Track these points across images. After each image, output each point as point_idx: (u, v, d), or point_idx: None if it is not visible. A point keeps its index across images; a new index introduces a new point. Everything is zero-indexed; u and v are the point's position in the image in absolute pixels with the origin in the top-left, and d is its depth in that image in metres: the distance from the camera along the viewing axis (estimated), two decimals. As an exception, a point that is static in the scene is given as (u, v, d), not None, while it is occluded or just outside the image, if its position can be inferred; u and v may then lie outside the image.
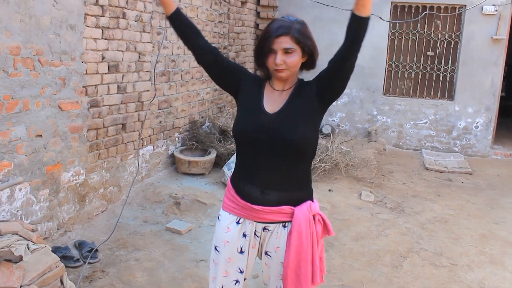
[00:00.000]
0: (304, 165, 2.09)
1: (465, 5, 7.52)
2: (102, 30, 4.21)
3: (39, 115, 3.60)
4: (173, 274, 3.57)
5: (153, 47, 5.03)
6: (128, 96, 4.72)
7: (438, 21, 7.87)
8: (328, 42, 8.06)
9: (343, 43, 1.91)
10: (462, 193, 5.99)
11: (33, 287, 2.70)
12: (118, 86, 4.54)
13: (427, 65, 8.00)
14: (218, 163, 5.88)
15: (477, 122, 7.88)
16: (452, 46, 7.87)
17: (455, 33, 7.82)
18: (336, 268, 3.83)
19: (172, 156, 5.79)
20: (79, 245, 3.80)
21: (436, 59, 7.96)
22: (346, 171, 6.07)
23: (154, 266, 3.66)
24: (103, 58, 4.27)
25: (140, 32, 4.77)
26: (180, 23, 2.11)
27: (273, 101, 2.08)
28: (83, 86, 4.05)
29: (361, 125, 8.27)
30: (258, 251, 2.14)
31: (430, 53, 7.97)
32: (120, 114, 4.63)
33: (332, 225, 2.20)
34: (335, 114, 8.35)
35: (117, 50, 4.46)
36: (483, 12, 7.51)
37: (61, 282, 2.95)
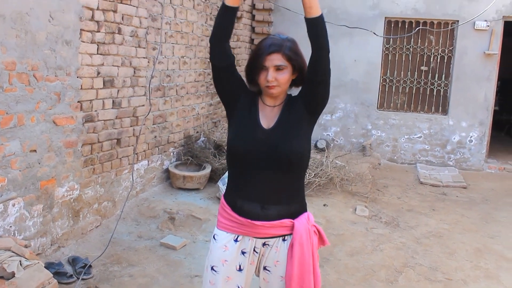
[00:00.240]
0: (299, 178, 2.13)
1: (458, 21, 7.61)
2: (97, 45, 4.23)
3: (33, 130, 3.59)
4: (168, 290, 3.55)
5: (148, 62, 5.06)
6: (123, 111, 4.72)
7: (432, 36, 7.95)
8: (323, 57, 8.15)
9: (312, 50, 1.98)
10: (457, 207, 6.00)
11: (25, 304, 2.68)
12: (113, 101, 4.55)
13: (421, 80, 8.06)
14: (213, 178, 5.87)
15: (471, 136, 7.92)
16: (445, 61, 7.94)
17: (448, 48, 7.90)
18: (331, 284, 3.81)
19: (167, 171, 5.78)
20: (73, 261, 3.77)
21: (430, 74, 8.02)
22: (341, 186, 6.07)
23: (149, 282, 3.63)
24: (98, 73, 4.29)
25: (135, 47, 4.80)
26: (229, 16, 2.03)
27: (266, 116, 2.10)
28: (78, 101, 4.06)
29: (356, 139, 8.30)
30: (256, 267, 2.14)
31: (423, 68, 8.04)
32: (115, 129, 4.63)
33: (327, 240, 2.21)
34: (330, 129, 8.38)
35: (113, 65, 4.48)
36: (475, 28, 7.60)
37: (54, 298, 2.93)
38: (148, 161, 5.38)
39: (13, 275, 2.74)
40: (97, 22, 4.19)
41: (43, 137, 3.70)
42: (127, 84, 4.73)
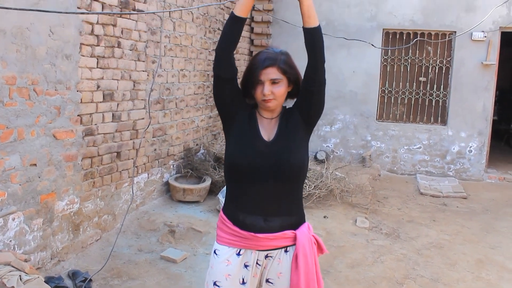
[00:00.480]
0: (298, 188, 2.15)
1: (455, 32, 7.66)
2: (97, 59, 4.25)
3: (33, 144, 3.60)
4: (168, 303, 3.53)
5: (147, 75, 5.08)
6: (123, 124, 4.74)
7: (429, 47, 7.99)
8: (321, 68, 8.19)
9: (308, 60, 2.03)
10: (457, 218, 5.98)
11: (25, 319, 2.67)
12: (113, 114, 4.56)
13: (420, 91, 8.09)
14: (213, 191, 5.87)
15: (471, 146, 7.93)
16: (443, 71, 7.98)
17: (446, 59, 7.94)
18: (332, 296, 3.80)
19: (167, 183, 5.78)
20: (73, 275, 3.76)
21: (428, 85, 8.05)
22: (341, 197, 6.06)
23: (149, 296, 3.62)
24: (98, 87, 4.31)
25: (135, 60, 4.82)
26: (238, 26, 2.05)
27: (265, 129, 2.12)
28: (78, 115, 4.07)
29: (356, 150, 8.30)
30: (258, 280, 2.13)
31: (422, 79, 8.07)
32: (115, 142, 4.64)
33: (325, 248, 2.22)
34: (330, 140, 8.39)
35: (112, 79, 4.50)
36: (472, 39, 7.65)
37: (54, 313, 2.91)
38: (148, 174, 5.38)
39: (13, 290, 2.73)
40: (97, 36, 4.22)
41: (43, 151, 3.70)
42: (126, 97, 4.75)
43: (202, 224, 5.01)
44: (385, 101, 8.24)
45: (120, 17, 4.51)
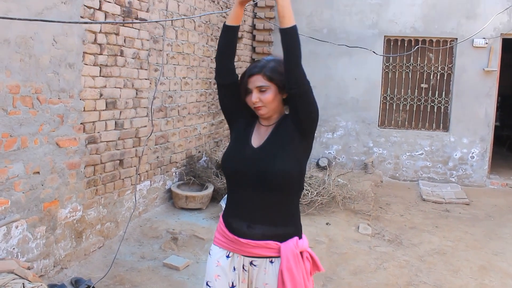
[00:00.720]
0: (289, 200, 2.10)
1: (456, 39, 7.69)
2: (100, 67, 4.28)
3: (37, 152, 3.62)
4: (171, 311, 3.53)
5: (150, 83, 5.11)
6: (126, 132, 4.76)
7: (431, 54, 8.02)
8: (323, 75, 8.23)
9: (283, 61, 1.99)
10: (460, 224, 5.97)
11: (28, 326, 2.67)
12: (115, 122, 4.58)
13: (421, 97, 8.10)
14: (216, 198, 5.88)
15: (473, 153, 7.93)
16: (445, 78, 8.00)
17: (447, 66, 7.96)
18: (335, 303, 3.79)
19: (169, 191, 5.79)
20: (76, 283, 3.76)
21: (430, 91, 8.07)
22: (343, 204, 6.06)
23: (151, 303, 3.62)
24: (101, 95, 4.33)
25: (137, 69, 4.85)
26: (231, 35, 2.13)
27: (259, 136, 2.15)
28: (81, 123, 4.09)
29: (358, 157, 8.31)
30: (247, 287, 2.14)
31: (424, 85, 8.09)
32: (118, 150, 4.66)
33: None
34: (331, 147, 8.40)
35: (115, 87, 4.53)
36: (474, 45, 7.67)
37: (57, 321, 2.92)
38: (150, 182, 5.39)
39: (16, 297, 2.74)
40: (100, 45, 4.25)
41: (46, 159, 3.72)
42: (129, 105, 4.77)
43: (205, 231, 5.01)
44: (387, 107, 8.26)
45: (122, 26, 4.54)
